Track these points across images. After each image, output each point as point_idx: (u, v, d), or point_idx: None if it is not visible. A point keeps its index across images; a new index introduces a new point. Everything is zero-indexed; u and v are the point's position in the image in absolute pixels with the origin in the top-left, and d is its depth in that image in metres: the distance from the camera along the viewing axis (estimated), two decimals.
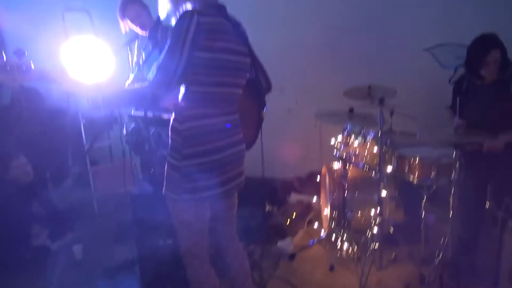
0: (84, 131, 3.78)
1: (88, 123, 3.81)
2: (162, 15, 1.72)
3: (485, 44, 2.54)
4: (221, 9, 1.67)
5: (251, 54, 1.77)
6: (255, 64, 1.82)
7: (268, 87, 1.92)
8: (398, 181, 2.83)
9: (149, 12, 2.64)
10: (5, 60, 1.44)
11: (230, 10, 1.73)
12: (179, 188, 1.64)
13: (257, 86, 1.85)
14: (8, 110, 3.18)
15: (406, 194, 3.01)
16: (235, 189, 1.78)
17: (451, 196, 2.48)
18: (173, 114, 1.65)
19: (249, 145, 1.92)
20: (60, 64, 1.61)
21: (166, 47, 1.54)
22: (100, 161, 4.41)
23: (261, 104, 1.92)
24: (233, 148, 1.72)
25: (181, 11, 1.56)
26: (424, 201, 2.67)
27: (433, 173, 2.54)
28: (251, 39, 1.79)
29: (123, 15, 2.65)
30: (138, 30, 2.68)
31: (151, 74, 1.54)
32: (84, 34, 3.33)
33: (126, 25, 2.68)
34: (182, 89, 1.62)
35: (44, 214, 3.26)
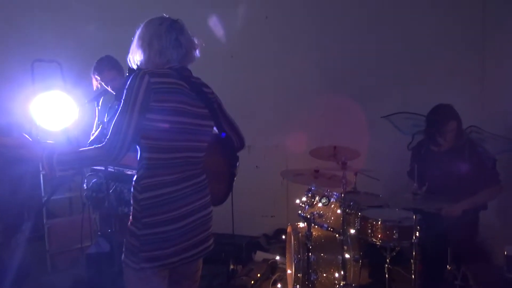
0: (43, 182, 3.62)
1: (46, 175, 3.67)
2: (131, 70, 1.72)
3: (442, 115, 2.73)
4: (182, 70, 1.65)
5: (216, 114, 1.73)
6: (224, 123, 1.79)
7: (241, 145, 1.89)
8: (362, 243, 2.84)
9: (123, 74, 2.69)
10: None
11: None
12: (137, 257, 1.56)
13: (228, 143, 1.82)
14: None
15: (370, 255, 3.00)
16: (199, 255, 1.70)
17: (413, 259, 2.49)
18: (133, 181, 1.60)
19: (221, 201, 1.87)
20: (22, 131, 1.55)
21: (119, 107, 1.51)
22: (58, 213, 4.20)
23: (233, 161, 1.87)
24: (197, 213, 1.65)
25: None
26: (387, 263, 2.67)
27: (395, 236, 2.57)
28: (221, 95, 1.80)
29: (98, 76, 2.68)
30: (109, 89, 2.72)
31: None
32: (52, 86, 3.35)
33: (98, 83, 2.72)
34: (138, 156, 1.58)
35: None
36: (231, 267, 3.40)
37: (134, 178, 1.60)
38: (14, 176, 3.98)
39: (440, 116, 2.76)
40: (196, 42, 1.70)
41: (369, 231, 2.65)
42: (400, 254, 2.72)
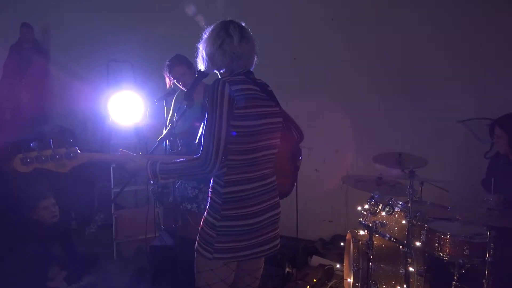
0: (113, 175, 3.85)
1: (117, 167, 3.89)
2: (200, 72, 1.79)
3: None
4: (248, 74, 1.70)
5: (283, 111, 1.80)
6: (285, 118, 1.85)
7: (301, 136, 1.95)
8: (427, 256, 2.69)
9: (193, 72, 2.77)
10: (52, 150, 1.55)
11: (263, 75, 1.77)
12: (211, 247, 1.64)
13: (290, 137, 1.88)
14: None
15: (435, 270, 2.83)
16: (267, 252, 1.75)
17: (485, 279, 2.32)
18: (215, 176, 1.67)
19: (286, 194, 1.93)
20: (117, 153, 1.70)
21: (205, 119, 1.57)
22: (124, 205, 4.46)
23: (296, 154, 1.94)
24: (269, 212, 1.72)
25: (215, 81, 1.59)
26: (455, 280, 2.51)
27: (465, 252, 2.40)
28: (280, 98, 1.81)
29: (169, 73, 2.80)
30: (180, 86, 2.83)
31: (198, 145, 1.59)
32: (124, 84, 3.57)
33: (171, 81, 2.83)
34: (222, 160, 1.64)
35: (64, 255, 3.26)
36: (287, 270, 3.38)
37: (215, 174, 1.65)
38: (87, 168, 4.29)
39: None
40: (256, 45, 1.73)
41: (436, 244, 2.50)
42: (470, 272, 2.54)
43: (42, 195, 3.02)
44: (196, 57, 1.76)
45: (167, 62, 2.83)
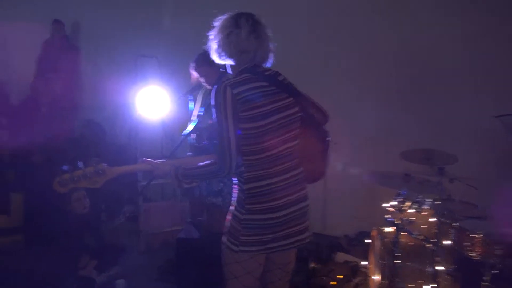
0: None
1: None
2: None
3: None
4: (255, 67, 1.66)
5: (299, 99, 1.73)
6: (305, 104, 1.79)
7: (325, 118, 1.89)
8: (456, 255, 2.62)
9: (218, 69, 2.79)
10: (82, 170, 1.66)
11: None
12: (237, 240, 1.66)
13: (312, 121, 1.83)
14: (77, 142, 3.42)
15: (465, 270, 2.76)
16: (295, 245, 1.74)
17: None
18: (236, 174, 1.69)
19: (319, 178, 1.90)
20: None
21: (216, 126, 1.60)
22: (151, 198, 4.55)
23: (322, 135, 1.87)
24: (295, 205, 1.71)
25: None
26: (486, 282, 2.43)
27: (498, 252, 2.33)
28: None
29: (195, 71, 2.83)
30: (206, 85, 2.86)
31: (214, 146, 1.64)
32: (151, 80, 3.63)
33: (196, 77, 2.87)
34: (239, 159, 1.65)
35: (94, 245, 3.37)
36: (311, 265, 3.38)
37: (236, 171, 1.67)
38: (116, 161, 4.39)
39: None
40: (270, 37, 1.70)
41: (466, 243, 2.43)
42: (502, 272, 2.46)
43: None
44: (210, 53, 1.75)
45: (192, 64, 2.85)
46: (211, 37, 1.70)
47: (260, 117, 1.59)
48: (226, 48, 1.65)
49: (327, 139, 1.88)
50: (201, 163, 1.68)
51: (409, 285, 2.67)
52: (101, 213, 4.39)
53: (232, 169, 1.61)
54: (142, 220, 3.89)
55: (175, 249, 2.91)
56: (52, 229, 2.97)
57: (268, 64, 1.73)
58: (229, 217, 1.73)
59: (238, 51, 1.64)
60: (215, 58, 1.72)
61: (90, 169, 1.65)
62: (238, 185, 1.69)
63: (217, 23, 1.69)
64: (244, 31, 1.63)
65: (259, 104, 1.59)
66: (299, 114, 1.73)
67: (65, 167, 1.65)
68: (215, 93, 1.58)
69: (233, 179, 1.72)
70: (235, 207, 1.70)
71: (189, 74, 2.98)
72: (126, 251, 3.55)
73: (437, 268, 2.51)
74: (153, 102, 3.28)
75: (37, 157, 3.09)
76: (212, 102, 1.59)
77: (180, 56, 3.91)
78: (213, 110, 1.59)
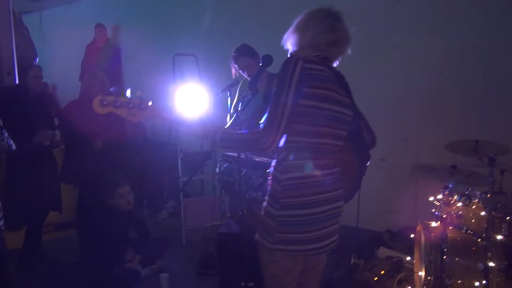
0: (180, 165, 4.02)
1: (185, 157, 4.06)
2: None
3: None
4: (325, 59, 1.64)
5: (354, 105, 1.71)
6: (359, 117, 1.75)
7: (373, 141, 1.82)
8: (508, 251, 2.48)
9: (258, 61, 2.80)
10: (128, 97, 1.59)
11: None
12: (272, 237, 1.60)
13: (360, 139, 1.76)
14: (125, 143, 3.52)
15: None
16: (328, 248, 1.67)
17: None
18: (275, 162, 1.64)
19: (348, 199, 1.80)
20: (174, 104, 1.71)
21: (273, 94, 1.54)
22: (191, 193, 4.64)
23: (365, 158, 1.79)
24: (331, 203, 1.63)
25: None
26: None
27: None
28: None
29: (234, 63, 2.87)
30: (245, 76, 2.89)
31: (261, 122, 1.56)
32: (189, 77, 3.69)
33: (236, 71, 2.90)
34: (283, 139, 1.59)
35: (138, 240, 3.49)
36: (353, 260, 3.32)
37: (276, 159, 1.63)
38: (157, 157, 4.52)
39: None
40: (350, 36, 1.67)
41: None
42: None
43: (119, 184, 3.24)
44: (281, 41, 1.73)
45: (233, 53, 2.90)
46: (290, 30, 1.69)
47: (321, 99, 1.55)
48: (301, 38, 1.65)
49: (367, 164, 1.79)
50: (242, 131, 1.62)
51: (458, 281, 2.56)
52: (144, 209, 4.55)
53: (274, 143, 1.52)
54: (183, 216, 3.97)
55: (215, 243, 2.95)
56: (101, 224, 3.10)
57: (334, 64, 1.71)
58: (262, 214, 1.66)
59: (311, 43, 1.64)
60: (291, 43, 1.69)
61: (135, 100, 1.58)
62: (275, 177, 1.62)
63: (305, 12, 1.69)
64: (323, 22, 1.63)
65: (326, 86, 1.56)
66: (350, 118, 1.68)
67: (113, 89, 1.61)
68: (285, 63, 1.54)
69: (271, 169, 1.65)
70: (269, 202, 1.63)
71: (226, 72, 3.02)
72: (169, 245, 3.64)
73: (489, 264, 2.38)
74: (191, 99, 3.34)
75: (97, 143, 3.20)
76: (279, 73, 1.54)
77: (217, 53, 3.96)
78: (276, 80, 1.54)
